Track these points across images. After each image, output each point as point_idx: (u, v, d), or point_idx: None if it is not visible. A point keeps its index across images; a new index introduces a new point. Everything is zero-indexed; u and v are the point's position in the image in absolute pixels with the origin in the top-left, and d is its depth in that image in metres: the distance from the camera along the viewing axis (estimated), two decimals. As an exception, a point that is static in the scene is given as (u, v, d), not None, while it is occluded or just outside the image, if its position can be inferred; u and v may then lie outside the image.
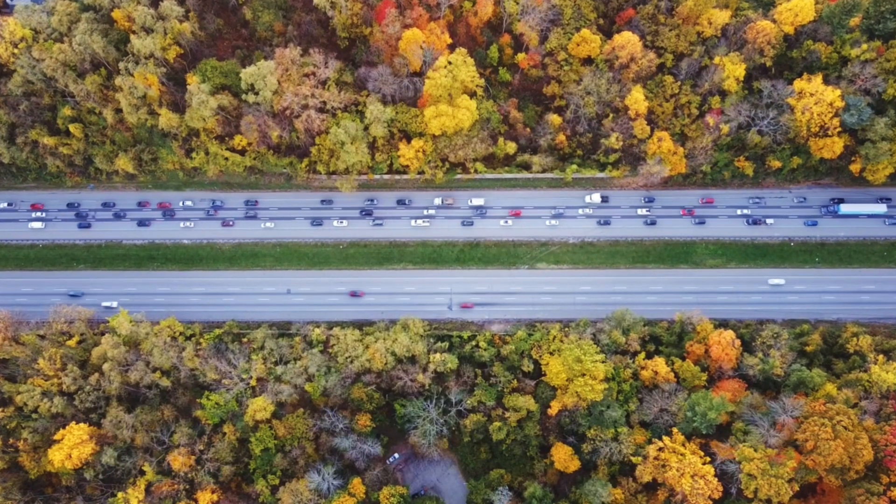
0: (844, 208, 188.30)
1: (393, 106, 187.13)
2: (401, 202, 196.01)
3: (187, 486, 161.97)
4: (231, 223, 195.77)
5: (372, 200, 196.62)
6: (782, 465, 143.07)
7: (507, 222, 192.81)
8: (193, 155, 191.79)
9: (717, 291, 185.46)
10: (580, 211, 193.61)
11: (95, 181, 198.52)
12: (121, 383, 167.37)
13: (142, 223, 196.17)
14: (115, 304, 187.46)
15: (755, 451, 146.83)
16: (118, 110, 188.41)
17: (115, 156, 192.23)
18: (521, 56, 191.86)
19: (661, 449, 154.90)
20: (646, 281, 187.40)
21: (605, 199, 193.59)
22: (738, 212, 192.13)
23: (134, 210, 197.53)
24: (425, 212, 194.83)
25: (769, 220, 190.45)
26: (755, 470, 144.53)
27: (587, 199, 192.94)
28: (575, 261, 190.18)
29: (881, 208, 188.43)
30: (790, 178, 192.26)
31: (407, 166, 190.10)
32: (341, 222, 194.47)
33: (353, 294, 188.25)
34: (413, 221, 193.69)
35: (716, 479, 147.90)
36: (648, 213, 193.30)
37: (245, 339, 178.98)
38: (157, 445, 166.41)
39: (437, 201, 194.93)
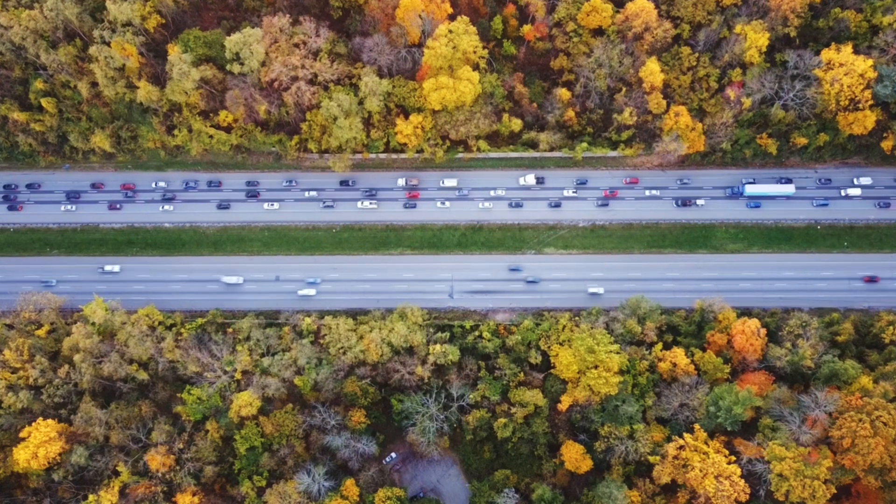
0: (750, 189, 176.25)
1: (389, 79, 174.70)
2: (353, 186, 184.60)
3: (166, 488, 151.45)
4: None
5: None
6: (818, 465, 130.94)
7: (443, 203, 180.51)
8: (175, 132, 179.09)
9: (739, 278, 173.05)
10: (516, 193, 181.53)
11: (71, 161, 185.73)
12: (93, 376, 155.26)
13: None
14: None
15: (787, 449, 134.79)
16: (94, 84, 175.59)
17: (92, 133, 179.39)
18: (526, 28, 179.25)
19: (681, 447, 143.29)
20: (662, 267, 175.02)
21: (540, 179, 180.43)
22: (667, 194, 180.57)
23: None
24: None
25: (699, 202, 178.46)
26: (787, 470, 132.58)
27: (521, 180, 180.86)
28: (585, 245, 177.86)
29: (789, 189, 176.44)
30: (816, 157, 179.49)
31: (405, 144, 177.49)
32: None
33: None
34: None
35: (742, 479, 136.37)
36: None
37: (230, 329, 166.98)
38: (134, 444, 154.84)
39: (401, 182, 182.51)
